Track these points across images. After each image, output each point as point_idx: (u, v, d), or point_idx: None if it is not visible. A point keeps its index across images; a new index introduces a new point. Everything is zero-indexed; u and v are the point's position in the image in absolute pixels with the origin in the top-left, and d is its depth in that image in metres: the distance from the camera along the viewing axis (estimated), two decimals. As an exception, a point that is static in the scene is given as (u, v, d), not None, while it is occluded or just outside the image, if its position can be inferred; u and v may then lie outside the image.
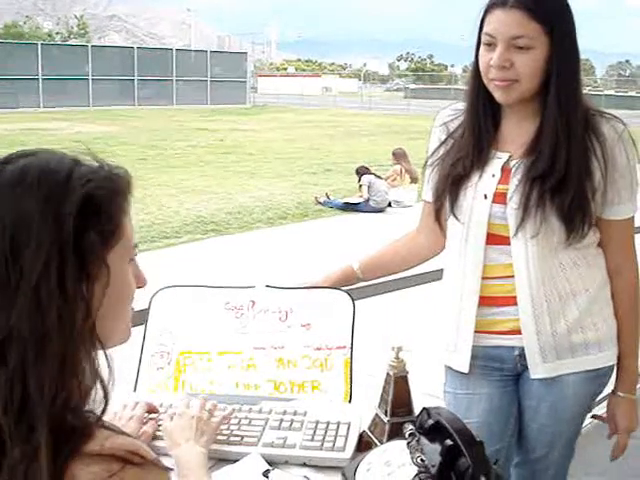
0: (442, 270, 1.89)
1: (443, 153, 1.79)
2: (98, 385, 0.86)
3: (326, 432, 1.51)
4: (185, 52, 40.97)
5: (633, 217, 1.75)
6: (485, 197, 1.71)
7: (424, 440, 1.26)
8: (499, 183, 1.70)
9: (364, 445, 1.51)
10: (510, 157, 1.71)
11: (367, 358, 1.88)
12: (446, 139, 1.80)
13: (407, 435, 1.29)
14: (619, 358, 1.79)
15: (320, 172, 14.18)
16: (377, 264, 1.98)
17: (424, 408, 1.32)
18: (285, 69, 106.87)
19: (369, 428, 1.57)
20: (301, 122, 26.45)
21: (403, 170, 11.41)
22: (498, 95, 1.66)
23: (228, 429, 1.53)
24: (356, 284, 1.96)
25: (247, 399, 1.63)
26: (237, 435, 1.51)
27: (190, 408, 1.49)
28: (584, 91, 1.71)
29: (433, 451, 1.23)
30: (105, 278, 0.87)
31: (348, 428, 1.52)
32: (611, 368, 1.80)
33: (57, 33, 72.67)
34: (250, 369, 1.71)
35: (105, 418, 0.87)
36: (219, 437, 1.51)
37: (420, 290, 2.80)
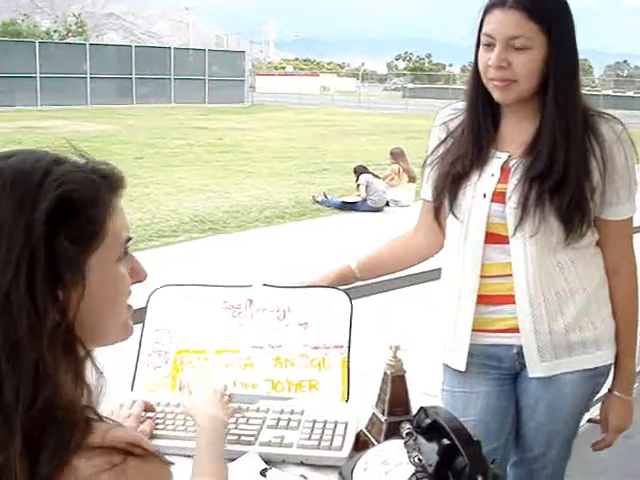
0: (439, 270, 1.89)
1: (443, 152, 1.80)
2: (95, 382, 0.86)
3: (323, 431, 1.51)
4: (183, 51, 40.88)
5: (631, 217, 1.76)
6: (484, 196, 1.71)
7: (421, 439, 1.26)
8: (498, 182, 1.71)
9: (361, 444, 1.51)
10: (509, 157, 1.71)
11: (364, 357, 1.88)
12: (446, 138, 1.80)
13: (404, 434, 1.29)
14: (617, 358, 1.80)
15: (318, 171, 14.18)
16: (375, 263, 1.99)
17: (421, 407, 1.32)
18: (283, 68, 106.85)
19: (366, 427, 1.57)
20: (299, 121, 26.45)
21: (401, 169, 11.41)
22: (496, 95, 1.67)
23: (225, 428, 1.53)
24: (354, 283, 1.96)
25: (244, 398, 1.63)
26: (234, 434, 1.51)
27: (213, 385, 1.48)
28: (583, 92, 1.71)
29: (430, 450, 1.23)
30: (82, 281, 0.85)
31: (345, 427, 1.52)
32: (609, 367, 1.80)
33: (55, 31, 72.54)
34: (247, 368, 1.71)
35: None
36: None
37: (417, 289, 2.80)
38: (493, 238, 1.72)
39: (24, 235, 0.82)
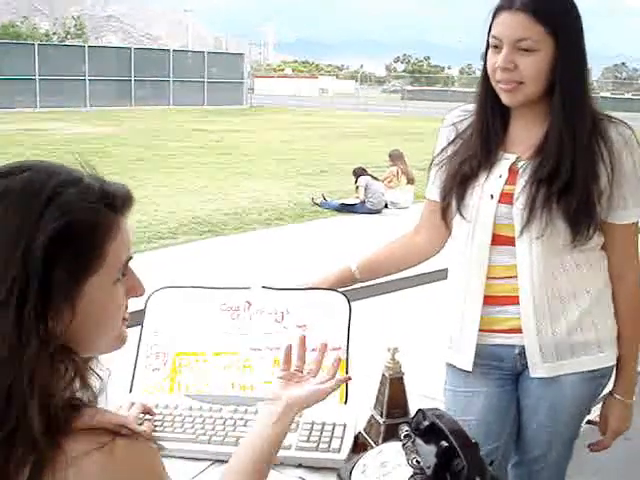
0: (439, 271, 1.90)
1: (452, 153, 1.80)
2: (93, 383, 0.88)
3: (322, 433, 1.51)
4: (182, 53, 40.91)
5: (638, 222, 1.76)
6: (491, 197, 1.72)
7: (419, 441, 1.26)
8: (506, 184, 1.71)
9: (359, 446, 1.51)
10: (518, 158, 1.72)
11: (363, 359, 1.88)
12: (455, 139, 1.81)
13: (402, 436, 1.29)
14: (619, 361, 1.80)
15: (317, 173, 14.18)
16: (374, 265, 1.99)
17: (419, 409, 1.32)
18: (282, 70, 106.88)
19: (365, 429, 1.57)
20: (298, 123, 26.46)
21: (400, 171, 11.40)
22: (504, 97, 1.68)
23: (224, 430, 1.53)
24: (353, 285, 1.96)
25: (243, 400, 1.63)
26: (233, 436, 1.51)
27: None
28: (591, 95, 1.71)
29: (428, 452, 1.23)
30: (73, 307, 0.86)
31: (344, 429, 1.53)
32: (610, 369, 1.81)
33: (54, 33, 72.56)
34: (246, 370, 1.71)
35: None
36: (214, 438, 1.52)
37: (416, 291, 2.80)
38: (500, 240, 1.72)
39: (21, 261, 0.82)
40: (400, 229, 2.03)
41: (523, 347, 1.76)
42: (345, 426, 1.54)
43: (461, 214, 1.77)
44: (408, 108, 37.39)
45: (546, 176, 1.65)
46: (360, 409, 1.60)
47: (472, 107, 1.80)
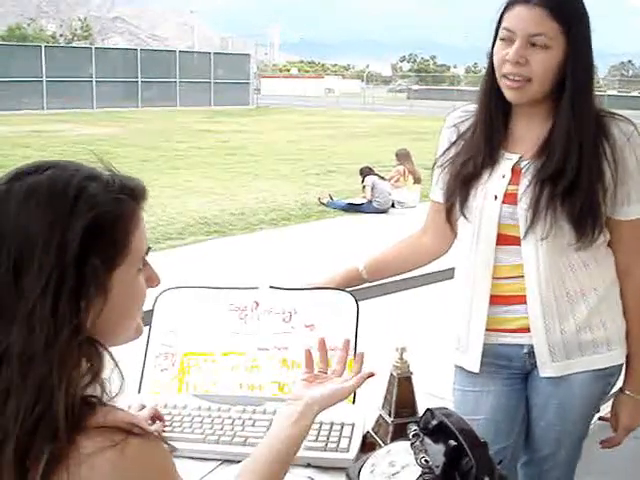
0: (446, 270, 1.90)
1: (454, 154, 1.80)
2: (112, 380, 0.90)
3: (330, 433, 1.51)
4: (188, 54, 40.95)
5: None
6: (495, 197, 1.71)
7: (428, 441, 1.26)
8: (509, 184, 1.71)
9: (368, 446, 1.51)
10: (520, 158, 1.71)
11: (371, 359, 1.88)
12: (457, 140, 1.80)
13: (411, 436, 1.29)
14: (628, 358, 1.80)
15: (323, 173, 14.17)
16: (382, 265, 1.99)
17: (428, 409, 1.32)
18: (288, 70, 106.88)
19: (373, 429, 1.57)
20: (304, 123, 26.45)
21: (406, 171, 11.39)
22: (509, 94, 1.67)
23: (232, 430, 1.54)
24: (361, 285, 1.96)
25: (251, 400, 1.63)
26: (241, 436, 1.51)
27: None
28: (595, 94, 1.71)
29: (437, 452, 1.23)
30: (105, 296, 0.89)
31: (352, 429, 1.53)
32: (619, 367, 1.80)
33: (61, 35, 72.86)
34: (254, 370, 1.72)
35: None
36: (223, 438, 1.52)
37: (424, 290, 2.80)
38: (505, 239, 1.72)
39: (56, 254, 0.86)
40: (407, 228, 2.03)
41: (532, 346, 1.75)
42: (353, 426, 1.54)
43: (464, 216, 1.76)
44: (414, 107, 37.32)
45: (550, 176, 1.65)
46: (368, 409, 1.60)
47: (473, 108, 1.79)
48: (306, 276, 1.93)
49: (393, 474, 1.25)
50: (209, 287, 1.83)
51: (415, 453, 1.24)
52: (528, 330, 1.74)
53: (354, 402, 1.65)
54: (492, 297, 1.75)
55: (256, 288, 1.81)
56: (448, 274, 1.94)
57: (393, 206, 11.04)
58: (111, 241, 0.90)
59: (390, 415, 1.54)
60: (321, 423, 1.54)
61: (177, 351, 1.75)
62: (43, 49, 31.49)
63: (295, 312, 1.76)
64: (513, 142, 1.74)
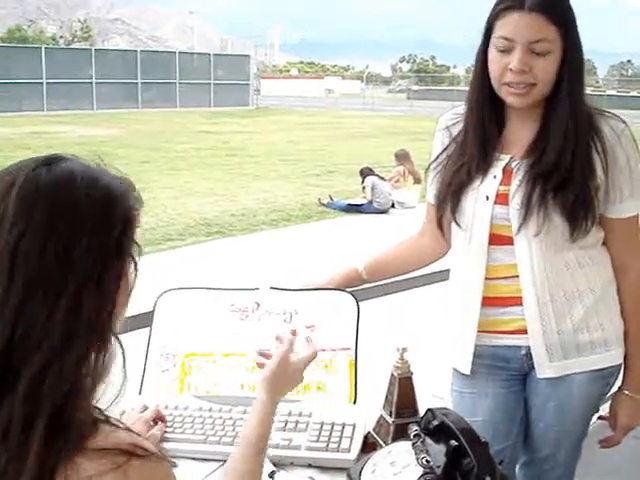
0: (446, 271, 1.89)
1: (445, 157, 1.79)
2: (107, 381, 0.89)
3: (331, 433, 1.51)
4: (188, 55, 40.97)
5: (637, 215, 1.75)
6: (487, 198, 1.71)
7: (429, 441, 1.27)
8: (500, 184, 1.70)
9: (369, 446, 1.52)
10: (511, 158, 1.71)
11: (372, 359, 1.88)
12: (449, 143, 1.80)
13: (412, 436, 1.29)
14: (627, 357, 1.80)
15: (323, 174, 14.18)
16: (381, 266, 1.99)
17: (429, 409, 1.33)
18: (288, 71, 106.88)
19: (374, 429, 1.57)
20: (304, 124, 26.46)
21: (406, 171, 11.40)
22: (513, 100, 1.65)
23: (233, 430, 1.54)
24: (360, 285, 1.96)
25: (252, 401, 1.63)
26: (242, 437, 1.51)
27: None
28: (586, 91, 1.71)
29: (438, 452, 1.23)
30: (129, 276, 0.93)
31: (353, 429, 1.53)
32: (618, 367, 1.80)
33: (61, 37, 72.87)
34: (255, 371, 1.71)
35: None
36: (224, 439, 1.52)
37: (424, 291, 2.80)
38: (497, 239, 1.72)
39: (103, 237, 0.88)
40: (407, 229, 2.03)
41: (529, 348, 1.75)
42: (354, 426, 1.54)
43: (456, 221, 1.76)
44: (414, 108, 37.30)
45: (542, 172, 1.65)
46: (369, 409, 1.61)
47: (463, 109, 1.78)
48: (306, 277, 1.93)
49: (394, 474, 1.26)
50: (210, 288, 1.83)
51: (416, 453, 1.25)
52: (525, 332, 1.74)
53: (355, 402, 1.65)
54: (488, 299, 1.75)
55: (257, 289, 1.81)
56: (449, 274, 1.94)
57: (393, 206, 11.06)
58: (133, 234, 0.94)
59: (391, 415, 1.54)
60: (322, 423, 1.54)
61: (178, 352, 1.75)
62: (43, 51, 31.53)
63: (296, 313, 1.76)
64: (506, 144, 1.73)
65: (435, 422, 1.28)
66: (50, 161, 0.90)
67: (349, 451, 1.47)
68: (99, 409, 0.88)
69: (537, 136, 1.68)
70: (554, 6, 1.60)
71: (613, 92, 50.96)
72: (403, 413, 1.53)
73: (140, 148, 17.32)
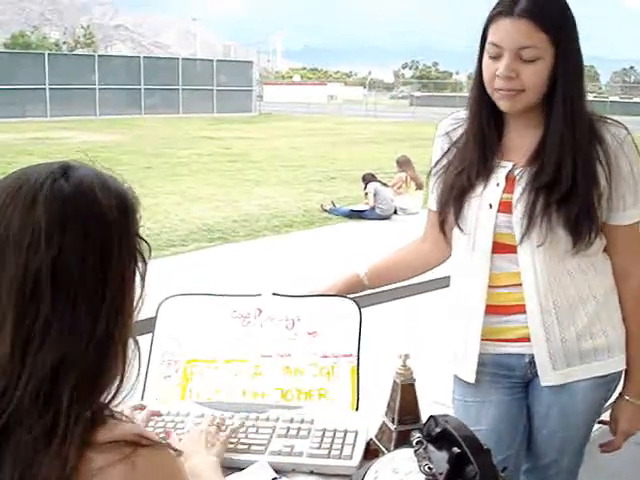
0: (448, 278, 1.89)
1: (446, 163, 1.79)
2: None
3: (333, 440, 1.51)
4: (191, 61, 41.11)
5: (639, 222, 1.75)
6: (490, 207, 1.71)
7: (431, 448, 1.26)
8: (504, 192, 1.70)
9: (371, 453, 1.51)
10: (514, 166, 1.71)
11: (374, 366, 1.88)
12: (449, 148, 1.80)
13: (414, 443, 1.28)
14: (628, 363, 1.79)
15: (326, 180, 14.19)
16: (383, 272, 1.98)
17: (431, 416, 1.32)
18: (291, 77, 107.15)
19: (376, 436, 1.57)
20: (307, 130, 26.50)
21: (408, 177, 11.41)
22: (503, 104, 1.66)
23: (235, 437, 1.53)
24: (362, 292, 1.96)
25: (254, 407, 1.63)
26: (244, 443, 1.51)
27: (198, 425, 1.50)
28: (588, 98, 1.71)
29: (440, 459, 1.22)
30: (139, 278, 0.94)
31: (355, 436, 1.52)
32: (620, 374, 1.80)
33: (64, 43, 73.16)
34: (257, 377, 1.72)
35: None
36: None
37: (427, 297, 2.80)
38: (501, 248, 1.72)
39: (130, 242, 0.91)
40: (410, 235, 2.03)
41: (532, 355, 1.75)
42: (357, 433, 1.53)
43: (459, 227, 1.76)
44: (416, 114, 37.36)
45: (545, 183, 1.64)
46: (371, 416, 1.60)
47: (464, 114, 1.78)
48: (309, 283, 1.93)
49: (396, 481, 1.25)
50: (212, 294, 1.83)
51: (418, 460, 1.24)
52: (529, 339, 1.73)
53: (357, 409, 1.65)
54: (492, 307, 1.74)
55: (259, 295, 1.81)
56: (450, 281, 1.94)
57: (396, 212, 11.06)
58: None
59: (393, 422, 1.54)
60: (324, 430, 1.54)
61: (180, 358, 1.75)
62: (46, 57, 31.61)
63: (298, 319, 1.76)
64: (506, 150, 1.73)
65: (437, 429, 1.28)
66: (64, 170, 0.89)
67: (351, 458, 1.47)
68: (106, 404, 0.89)
69: (539, 144, 1.68)
70: (545, 12, 1.59)
71: (616, 98, 50.99)
72: (405, 420, 1.53)
73: (143, 154, 17.35)
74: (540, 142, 1.67)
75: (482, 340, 1.75)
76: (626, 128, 1.69)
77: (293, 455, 1.48)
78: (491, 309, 1.74)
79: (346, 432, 1.53)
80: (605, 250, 1.76)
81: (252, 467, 1.45)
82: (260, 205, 11.32)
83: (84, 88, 30.98)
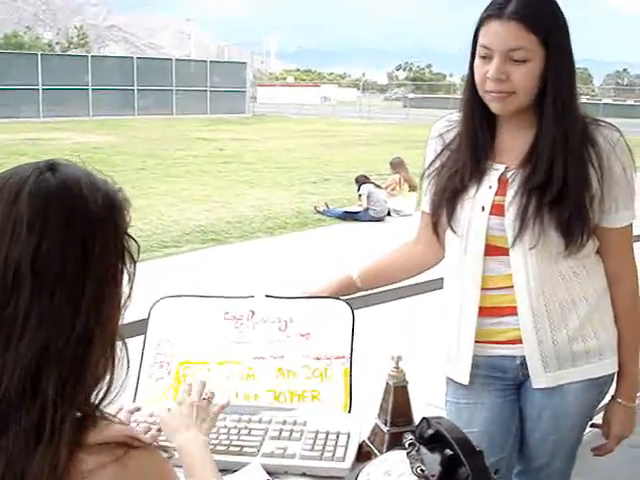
0: (441, 280, 1.89)
1: (439, 165, 1.79)
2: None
3: (326, 442, 1.51)
4: (185, 62, 41.03)
5: (631, 224, 1.75)
6: (482, 209, 1.71)
7: (424, 450, 1.26)
8: (496, 194, 1.70)
9: (364, 455, 1.51)
10: (506, 168, 1.71)
11: (367, 368, 1.88)
12: (442, 151, 1.80)
13: (407, 445, 1.28)
14: (620, 365, 1.79)
15: (319, 181, 14.19)
16: (376, 273, 1.98)
17: (424, 418, 1.32)
18: (284, 79, 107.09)
19: (369, 438, 1.57)
20: (300, 131, 26.49)
21: (402, 179, 11.42)
22: (494, 106, 1.66)
23: (228, 439, 1.53)
24: (355, 293, 1.95)
25: (247, 409, 1.63)
26: (237, 445, 1.51)
27: (190, 396, 1.45)
28: (580, 100, 1.71)
29: (433, 461, 1.22)
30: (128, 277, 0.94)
31: (348, 438, 1.52)
32: (612, 376, 1.80)
33: (57, 43, 72.99)
34: (249, 379, 1.71)
35: None
36: (218, 447, 1.51)
37: (420, 299, 2.80)
38: (493, 250, 1.72)
39: (115, 240, 0.91)
40: (403, 236, 2.03)
41: (524, 358, 1.75)
42: (349, 435, 1.53)
43: (452, 229, 1.76)
44: (410, 116, 37.40)
45: (537, 185, 1.64)
46: (364, 418, 1.60)
47: (457, 117, 1.79)
48: (302, 284, 1.93)
49: (389, 483, 1.25)
50: (205, 296, 1.83)
51: (411, 462, 1.24)
52: (520, 342, 1.73)
53: (350, 411, 1.65)
54: (483, 309, 1.74)
55: (252, 297, 1.81)
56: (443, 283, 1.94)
57: (389, 214, 11.07)
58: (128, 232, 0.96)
59: (386, 424, 1.54)
60: (317, 432, 1.53)
61: (172, 360, 1.75)
62: (39, 57, 31.50)
63: (291, 321, 1.76)
64: (499, 152, 1.73)
65: (430, 431, 1.28)
66: (52, 166, 0.90)
67: (344, 460, 1.47)
68: (96, 405, 0.89)
69: (531, 146, 1.68)
70: (534, 14, 1.59)
71: (609, 101, 51.09)
72: (398, 422, 1.53)
73: (136, 155, 17.31)
74: (532, 144, 1.68)
75: (475, 342, 1.76)
76: (619, 130, 1.70)
77: (286, 457, 1.48)
78: (484, 311, 1.74)
79: (339, 434, 1.53)
80: (598, 252, 1.76)
81: (244, 469, 1.45)
82: (254, 206, 11.31)
83: (77, 89, 30.89)
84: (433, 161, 1.81)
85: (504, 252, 1.70)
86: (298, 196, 12.42)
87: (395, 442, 1.44)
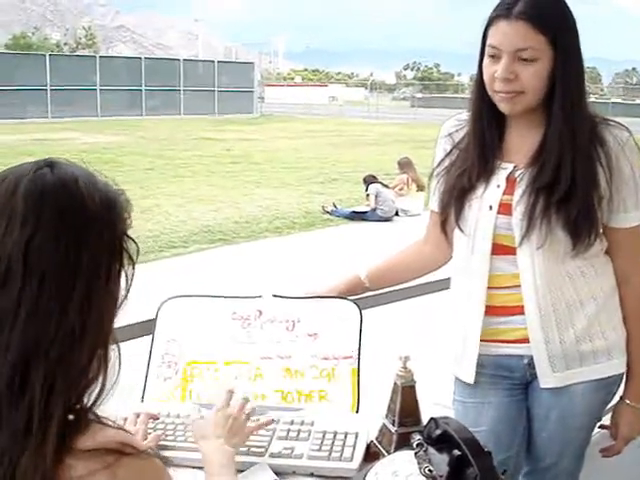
0: (448, 280, 1.89)
1: (448, 164, 1.79)
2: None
3: (333, 442, 1.51)
4: (192, 62, 41.11)
5: None
6: (490, 208, 1.70)
7: (432, 450, 1.26)
8: (504, 194, 1.70)
9: (371, 455, 1.51)
10: (515, 167, 1.71)
11: (374, 368, 1.87)
12: (451, 150, 1.80)
13: (415, 445, 1.28)
14: (628, 366, 1.79)
15: (327, 181, 14.20)
16: (384, 273, 1.98)
17: (432, 418, 1.32)
18: (292, 79, 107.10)
19: (376, 438, 1.57)
20: (308, 131, 26.50)
21: (409, 179, 11.42)
22: (503, 106, 1.66)
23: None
24: (363, 293, 1.95)
25: (254, 409, 1.63)
26: (244, 445, 1.51)
27: (230, 406, 1.45)
28: (589, 100, 1.71)
29: (441, 461, 1.22)
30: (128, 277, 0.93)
31: (355, 438, 1.52)
32: (620, 376, 1.79)
33: (65, 44, 73.18)
34: (257, 379, 1.71)
35: None
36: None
37: (428, 299, 2.79)
38: (500, 249, 1.71)
39: (110, 237, 0.90)
40: (411, 236, 2.03)
41: (531, 357, 1.74)
42: (357, 435, 1.53)
43: (460, 227, 1.76)
44: (418, 115, 37.35)
45: (545, 184, 1.64)
46: (372, 418, 1.60)
47: (467, 116, 1.78)
48: (309, 284, 1.93)
49: (397, 484, 1.25)
50: (212, 296, 1.83)
51: (419, 463, 1.24)
52: (527, 341, 1.73)
53: (358, 411, 1.65)
54: (490, 308, 1.74)
55: (259, 297, 1.81)
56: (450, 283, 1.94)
57: (397, 214, 11.06)
58: (128, 232, 0.95)
59: (394, 424, 1.53)
60: (324, 432, 1.53)
61: (180, 360, 1.75)
62: (48, 58, 31.61)
63: (298, 321, 1.76)
64: (507, 152, 1.73)
65: (438, 431, 1.28)
66: (50, 164, 0.91)
67: (351, 460, 1.47)
68: (90, 408, 0.88)
69: (539, 145, 1.68)
70: (542, 14, 1.59)
71: (618, 100, 50.93)
72: (406, 422, 1.53)
73: (144, 155, 17.35)
74: (541, 143, 1.67)
75: (481, 341, 1.75)
76: (628, 130, 1.69)
77: (293, 457, 1.48)
78: (491, 310, 1.74)
79: (346, 434, 1.53)
80: (607, 252, 1.75)
81: (252, 469, 1.45)
82: (261, 207, 11.32)
83: (85, 89, 30.98)
84: (442, 160, 1.81)
85: (511, 251, 1.70)
86: (306, 196, 12.43)
87: (403, 442, 1.44)
